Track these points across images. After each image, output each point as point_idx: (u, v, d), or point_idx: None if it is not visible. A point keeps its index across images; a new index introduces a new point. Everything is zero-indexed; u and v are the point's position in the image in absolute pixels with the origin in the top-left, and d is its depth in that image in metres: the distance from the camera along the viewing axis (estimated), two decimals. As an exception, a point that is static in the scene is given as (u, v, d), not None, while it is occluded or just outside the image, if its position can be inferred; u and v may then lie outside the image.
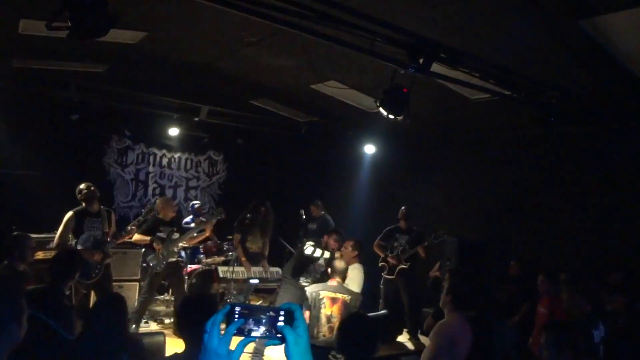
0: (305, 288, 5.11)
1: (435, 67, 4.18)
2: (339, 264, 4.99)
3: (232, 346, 1.18)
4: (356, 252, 5.69)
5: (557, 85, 4.94)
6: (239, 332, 1.17)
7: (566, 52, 4.53)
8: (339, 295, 4.77)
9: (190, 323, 2.57)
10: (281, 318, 1.21)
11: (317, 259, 6.02)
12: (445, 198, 8.12)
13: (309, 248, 6.00)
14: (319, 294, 4.75)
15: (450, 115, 7.22)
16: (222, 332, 1.18)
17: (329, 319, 4.70)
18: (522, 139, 6.99)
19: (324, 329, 4.68)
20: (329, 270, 5.02)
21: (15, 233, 4.41)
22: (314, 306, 4.72)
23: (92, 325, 2.76)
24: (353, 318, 2.92)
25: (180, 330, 2.57)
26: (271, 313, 1.20)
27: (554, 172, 6.70)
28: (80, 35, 2.53)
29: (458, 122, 7.53)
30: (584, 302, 4.39)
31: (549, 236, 6.62)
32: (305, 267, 6.06)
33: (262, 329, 1.19)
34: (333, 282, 4.90)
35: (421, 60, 3.91)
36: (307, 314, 4.73)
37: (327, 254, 6.06)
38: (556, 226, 6.57)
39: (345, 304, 4.77)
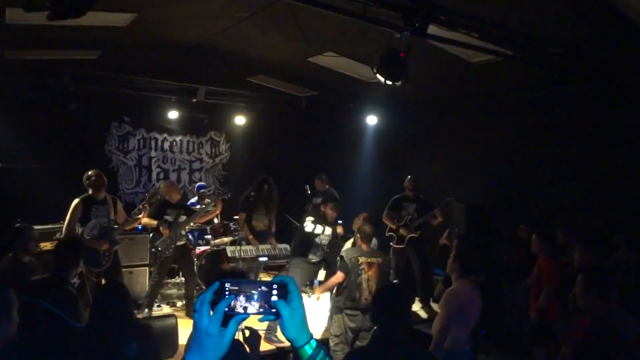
0: (343, 253, 5.22)
1: (433, 30, 4.07)
2: (368, 228, 5.11)
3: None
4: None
5: (561, 43, 4.81)
6: (230, 309, 1.12)
7: (569, 8, 4.38)
8: (374, 259, 5.00)
9: None
10: (274, 292, 1.15)
11: (317, 235, 6.03)
12: (451, 164, 8.03)
13: (308, 225, 6.01)
14: (358, 260, 4.94)
15: (452, 80, 7.08)
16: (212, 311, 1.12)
17: (367, 282, 4.91)
18: (526, 100, 6.85)
19: (365, 293, 4.89)
20: (359, 235, 5.15)
21: (17, 225, 4.40)
22: (354, 272, 4.91)
23: (96, 314, 2.74)
24: (387, 288, 2.91)
25: None
26: (263, 288, 1.15)
27: (560, 133, 6.58)
28: (60, 15, 2.45)
29: (460, 86, 7.39)
30: (595, 261, 4.35)
31: (557, 197, 6.54)
32: (309, 244, 6.04)
33: (256, 305, 1.14)
34: (364, 246, 5.09)
35: (417, 23, 3.80)
36: (339, 275, 4.98)
37: (328, 230, 6.06)
38: (564, 187, 6.48)
39: (379, 267, 5.02)
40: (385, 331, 2.67)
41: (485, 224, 6.98)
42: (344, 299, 4.97)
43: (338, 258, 5.29)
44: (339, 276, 5.01)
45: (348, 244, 5.69)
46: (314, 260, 6.17)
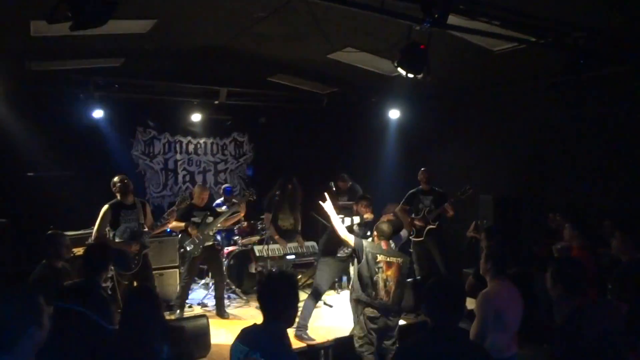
0: (364, 241, 5.06)
1: (452, 20, 4.00)
2: (385, 226, 4.94)
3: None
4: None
5: (585, 26, 4.68)
6: None
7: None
8: (393, 259, 4.83)
9: (271, 297, 2.64)
10: None
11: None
12: (477, 155, 7.92)
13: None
14: (376, 257, 4.78)
15: (474, 69, 6.97)
16: None
17: (385, 282, 4.75)
18: (551, 87, 6.67)
19: (382, 292, 4.74)
20: (376, 233, 4.98)
21: (49, 232, 4.51)
22: (371, 268, 4.75)
23: (126, 317, 2.79)
24: (441, 282, 2.86)
25: (261, 302, 2.68)
26: None
27: (586, 118, 6.42)
28: (82, 25, 2.49)
29: (483, 75, 7.27)
30: (633, 248, 4.21)
31: (586, 185, 6.39)
32: (337, 241, 5.99)
33: None
34: (384, 244, 4.91)
35: (436, 14, 3.74)
36: (350, 239, 4.93)
37: (356, 219, 6.03)
38: (593, 173, 6.33)
39: (399, 267, 4.83)
40: (439, 326, 2.61)
41: (513, 215, 6.86)
42: (358, 291, 4.85)
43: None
44: (349, 238, 4.94)
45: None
46: (342, 256, 6.14)
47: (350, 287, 5.46)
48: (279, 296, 2.66)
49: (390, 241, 5.07)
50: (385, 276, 4.75)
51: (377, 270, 4.75)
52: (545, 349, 4.44)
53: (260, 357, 2.49)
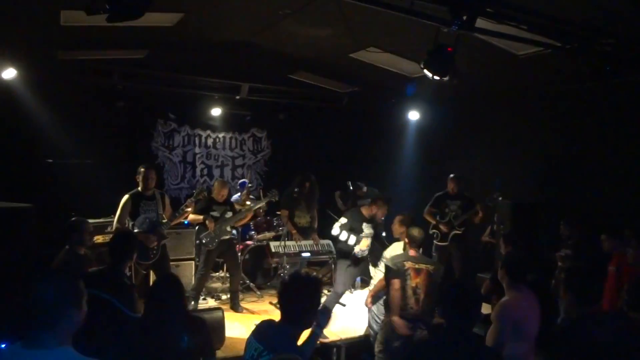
0: (384, 258, 5.01)
1: (480, 23, 3.99)
2: (416, 232, 4.78)
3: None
4: (404, 228, 5.25)
5: (614, 32, 4.63)
6: None
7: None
8: (423, 266, 4.66)
9: (294, 299, 2.66)
10: None
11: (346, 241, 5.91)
12: (497, 160, 7.86)
13: (335, 229, 5.92)
14: (404, 265, 4.62)
15: (497, 73, 6.92)
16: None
17: (414, 290, 4.59)
18: (576, 93, 6.63)
19: (411, 301, 4.57)
20: (407, 240, 4.85)
21: (72, 219, 4.58)
22: (401, 278, 4.59)
23: (152, 306, 2.83)
24: (459, 285, 2.86)
25: (281, 302, 2.71)
26: None
27: (611, 125, 6.34)
28: (119, 18, 2.54)
29: (505, 80, 7.22)
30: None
31: (608, 193, 6.31)
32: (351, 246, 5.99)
33: None
34: (413, 252, 4.76)
35: (464, 17, 3.73)
36: (396, 283, 4.58)
37: (367, 228, 5.98)
38: (615, 182, 6.25)
39: (429, 275, 4.64)
40: (454, 327, 2.62)
41: (532, 221, 6.80)
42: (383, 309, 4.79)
43: (380, 263, 5.08)
44: (395, 284, 4.60)
45: (394, 248, 5.30)
46: (360, 256, 6.04)
47: (371, 289, 5.41)
48: (302, 299, 2.66)
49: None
50: (414, 284, 4.58)
51: (405, 278, 4.58)
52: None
53: None
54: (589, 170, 6.60)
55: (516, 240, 5.14)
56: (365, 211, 6.02)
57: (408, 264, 4.61)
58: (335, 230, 5.92)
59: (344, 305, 7.00)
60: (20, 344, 1.88)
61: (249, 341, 2.70)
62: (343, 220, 5.98)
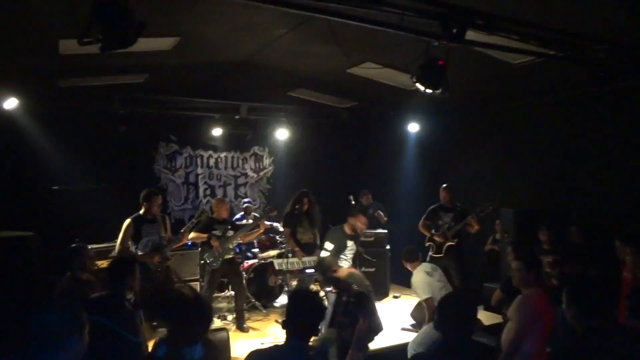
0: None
1: (471, 35, 4.03)
2: None
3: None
4: (416, 264, 5.87)
5: (606, 38, 4.66)
6: None
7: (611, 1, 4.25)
8: None
9: (296, 316, 2.69)
10: None
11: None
12: (497, 169, 7.88)
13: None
14: None
15: (493, 82, 6.96)
16: None
17: None
18: (572, 100, 6.66)
19: None
20: None
21: (73, 245, 4.61)
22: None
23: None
24: (451, 296, 2.88)
25: (286, 322, 2.71)
26: None
27: (607, 131, 6.35)
28: (112, 46, 2.59)
29: (502, 88, 7.26)
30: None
31: (608, 198, 6.30)
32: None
33: None
34: None
35: (454, 30, 3.78)
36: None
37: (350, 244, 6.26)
38: (614, 188, 6.24)
39: None
40: (448, 339, 2.62)
41: (535, 229, 6.78)
42: None
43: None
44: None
45: (420, 276, 5.68)
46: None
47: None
48: (306, 314, 2.69)
49: None
50: None
51: None
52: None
53: None
54: (588, 177, 6.59)
55: (525, 248, 5.15)
56: (347, 229, 6.30)
57: None
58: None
59: None
60: None
61: None
62: (329, 246, 6.18)
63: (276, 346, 2.76)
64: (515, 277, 3.76)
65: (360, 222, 6.28)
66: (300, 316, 2.68)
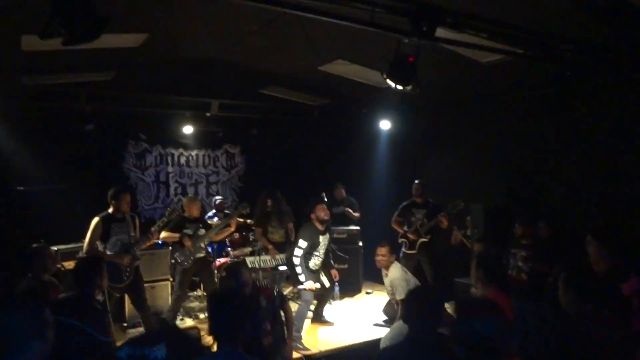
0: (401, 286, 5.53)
1: (441, 32, 4.07)
2: None
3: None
4: (393, 257, 6.21)
5: (572, 38, 4.76)
6: None
7: (578, 4, 4.35)
8: None
9: (222, 319, 2.59)
10: None
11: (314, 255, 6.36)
12: (467, 165, 7.98)
13: (295, 259, 6.23)
14: None
15: (463, 80, 7.06)
16: None
17: None
18: (540, 98, 6.79)
19: None
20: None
21: (33, 245, 4.50)
22: None
23: None
24: (418, 289, 2.90)
25: (212, 328, 2.59)
26: None
27: (573, 129, 6.50)
28: (74, 41, 2.52)
29: (472, 87, 7.36)
30: (609, 257, 4.24)
31: (574, 195, 6.45)
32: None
33: None
34: None
35: (424, 27, 3.81)
36: None
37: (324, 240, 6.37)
38: (581, 184, 6.39)
39: None
40: (417, 333, 2.65)
41: (504, 224, 6.91)
42: None
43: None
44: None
45: (394, 271, 5.96)
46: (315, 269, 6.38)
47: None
48: (232, 316, 2.60)
49: None
50: None
51: None
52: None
53: None
54: (555, 174, 6.73)
55: (491, 243, 5.23)
56: (317, 224, 6.30)
57: None
58: (296, 260, 6.13)
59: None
60: None
61: None
62: (302, 243, 6.15)
63: (210, 354, 2.71)
64: (476, 284, 3.83)
65: (322, 212, 6.29)
66: (226, 319, 2.59)
